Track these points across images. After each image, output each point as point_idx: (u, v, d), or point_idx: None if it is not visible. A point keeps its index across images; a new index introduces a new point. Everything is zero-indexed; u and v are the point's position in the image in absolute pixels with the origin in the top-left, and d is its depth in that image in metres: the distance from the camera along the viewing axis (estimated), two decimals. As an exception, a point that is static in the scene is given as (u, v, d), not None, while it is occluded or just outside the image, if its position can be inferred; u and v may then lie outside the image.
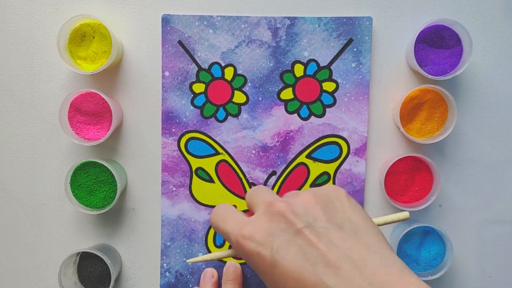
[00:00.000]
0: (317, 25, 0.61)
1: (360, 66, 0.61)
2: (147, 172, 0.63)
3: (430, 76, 0.58)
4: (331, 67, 0.62)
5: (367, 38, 0.61)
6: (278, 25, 0.61)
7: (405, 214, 0.48)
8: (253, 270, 0.52)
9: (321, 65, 0.62)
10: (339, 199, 0.44)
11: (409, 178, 0.61)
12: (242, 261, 0.63)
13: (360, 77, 0.62)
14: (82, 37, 0.61)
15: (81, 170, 0.60)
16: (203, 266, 0.63)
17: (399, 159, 0.60)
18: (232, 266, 0.62)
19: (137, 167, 0.64)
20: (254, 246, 0.42)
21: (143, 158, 0.63)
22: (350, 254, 0.39)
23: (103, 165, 0.59)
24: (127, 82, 0.63)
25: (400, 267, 0.39)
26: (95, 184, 0.60)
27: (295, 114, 0.62)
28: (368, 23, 0.61)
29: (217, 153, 0.62)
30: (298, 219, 0.42)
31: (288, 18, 0.61)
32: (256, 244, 0.42)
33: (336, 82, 0.62)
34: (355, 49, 0.61)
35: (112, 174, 0.59)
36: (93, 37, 0.61)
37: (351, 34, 0.61)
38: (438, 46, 0.60)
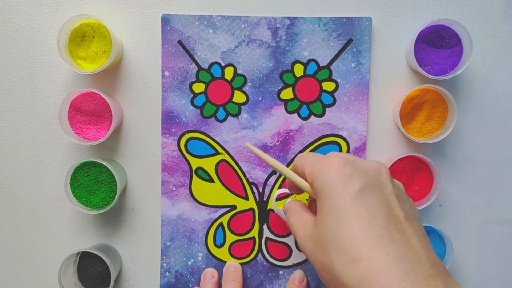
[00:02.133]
0: (317, 25, 0.61)
1: (360, 66, 0.62)
2: (147, 172, 0.63)
3: (430, 76, 0.58)
4: (331, 67, 0.62)
5: (366, 38, 0.61)
6: (278, 25, 0.61)
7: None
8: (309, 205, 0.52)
9: (321, 65, 0.62)
10: (414, 205, 0.47)
11: (409, 178, 0.61)
12: (242, 261, 0.63)
13: (360, 77, 0.62)
14: (82, 37, 0.61)
15: (81, 170, 0.60)
16: (203, 266, 0.63)
17: (399, 159, 0.60)
18: (232, 266, 0.62)
19: (137, 167, 0.64)
20: (344, 171, 0.43)
21: (143, 158, 0.63)
22: (419, 238, 0.40)
23: (103, 165, 0.59)
24: (127, 82, 0.63)
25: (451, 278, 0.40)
26: (95, 184, 0.60)
27: (295, 114, 0.62)
28: (367, 23, 0.61)
29: (217, 153, 0.62)
30: (393, 185, 0.44)
31: (288, 18, 0.61)
32: (350, 172, 0.43)
33: (335, 82, 0.62)
34: (354, 49, 0.62)
35: (112, 174, 0.59)
36: (93, 37, 0.61)
37: (350, 34, 0.61)
38: (438, 46, 0.60)
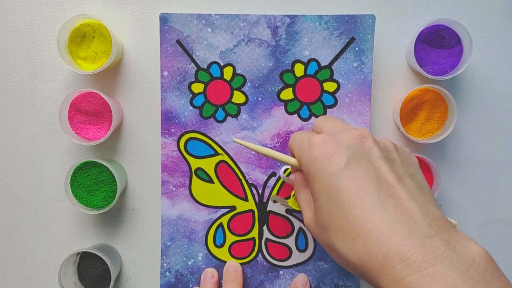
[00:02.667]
0: (318, 24, 0.61)
1: (362, 66, 0.61)
2: (147, 172, 0.63)
3: (430, 76, 0.58)
4: (332, 67, 0.61)
5: (369, 37, 0.60)
6: (278, 24, 0.61)
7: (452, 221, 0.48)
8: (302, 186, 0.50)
9: (322, 64, 0.61)
10: (413, 160, 0.46)
11: (409, 178, 0.61)
12: (242, 261, 0.63)
13: (362, 77, 0.61)
14: (82, 37, 0.61)
15: (81, 170, 0.60)
16: (203, 266, 0.63)
17: (399, 159, 0.60)
18: (232, 266, 0.62)
19: (137, 167, 0.64)
20: (325, 150, 0.42)
21: (143, 158, 0.63)
22: (415, 197, 0.40)
23: (103, 165, 0.59)
24: (127, 82, 0.63)
25: (458, 231, 0.39)
26: (95, 184, 0.60)
27: (295, 115, 0.62)
28: (371, 21, 0.60)
29: (217, 153, 0.62)
30: (378, 148, 0.43)
31: (288, 16, 0.61)
32: (331, 151, 0.42)
33: (337, 82, 0.61)
34: (357, 48, 0.61)
35: (112, 174, 0.59)
36: (93, 37, 0.61)
37: (353, 33, 0.60)
38: (438, 46, 0.60)
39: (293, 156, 0.49)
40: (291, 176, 0.52)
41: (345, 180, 0.40)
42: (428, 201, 0.41)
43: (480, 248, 0.36)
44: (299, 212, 0.62)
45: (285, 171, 0.60)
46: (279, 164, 0.62)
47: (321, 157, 0.42)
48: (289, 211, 0.62)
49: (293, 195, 0.58)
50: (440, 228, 0.38)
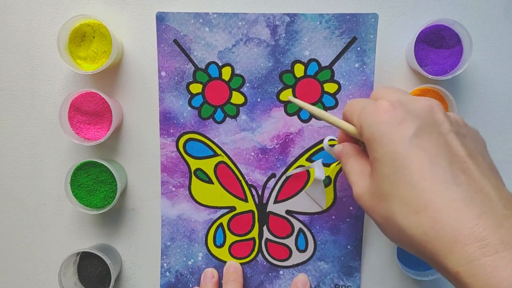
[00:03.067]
0: (318, 22, 0.60)
1: (364, 67, 0.60)
2: (147, 172, 0.63)
3: (430, 76, 0.58)
4: (333, 67, 0.60)
5: (372, 37, 0.60)
6: (277, 22, 0.60)
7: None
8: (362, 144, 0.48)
9: (323, 65, 0.60)
10: (481, 140, 0.44)
11: (409, 178, 0.61)
12: (242, 261, 0.63)
13: (364, 78, 0.60)
14: (82, 37, 0.61)
15: (81, 170, 0.60)
16: (203, 266, 0.63)
17: (399, 159, 0.59)
18: (233, 266, 0.62)
19: (137, 167, 0.64)
20: (394, 115, 0.39)
21: (143, 158, 0.63)
22: (488, 176, 0.38)
23: (103, 165, 0.59)
24: (127, 82, 0.63)
25: None
26: (95, 184, 0.60)
27: (295, 116, 0.61)
28: (373, 20, 0.59)
29: (216, 154, 0.62)
30: (449, 121, 0.40)
31: (288, 14, 0.60)
32: (400, 117, 0.39)
33: (338, 83, 0.61)
34: (359, 48, 0.60)
35: (112, 174, 0.59)
36: (93, 37, 0.61)
37: (354, 32, 0.60)
38: (438, 46, 0.60)
39: (350, 121, 0.46)
40: (337, 146, 0.49)
41: (415, 149, 0.38)
42: (500, 181, 0.39)
43: None
44: (299, 212, 0.62)
45: (329, 141, 0.59)
46: (278, 165, 0.62)
47: (389, 123, 0.39)
48: (289, 212, 0.62)
49: (337, 164, 0.57)
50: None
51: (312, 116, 0.51)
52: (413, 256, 0.61)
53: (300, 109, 0.61)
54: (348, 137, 0.49)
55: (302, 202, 0.62)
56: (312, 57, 0.60)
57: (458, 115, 0.43)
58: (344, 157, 0.47)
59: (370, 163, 0.42)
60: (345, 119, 0.47)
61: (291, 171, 0.61)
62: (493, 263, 0.32)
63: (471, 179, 0.37)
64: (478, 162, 0.39)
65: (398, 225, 0.38)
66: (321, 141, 0.61)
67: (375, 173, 0.41)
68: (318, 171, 0.60)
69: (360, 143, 0.49)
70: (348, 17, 0.59)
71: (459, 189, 0.36)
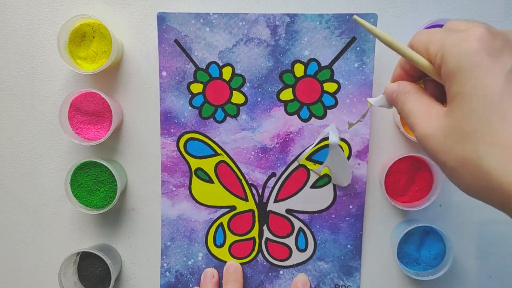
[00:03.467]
0: (318, 23, 0.60)
1: (364, 66, 0.60)
2: (147, 172, 0.63)
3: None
4: (333, 67, 0.60)
5: (371, 37, 0.60)
6: (277, 23, 0.60)
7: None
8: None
9: (322, 64, 0.61)
10: None
11: (409, 178, 0.61)
12: (242, 261, 0.63)
13: (363, 77, 0.60)
14: (82, 37, 0.61)
15: (81, 170, 0.60)
16: (203, 266, 0.63)
17: (399, 159, 0.59)
18: (233, 266, 0.62)
19: (137, 167, 0.64)
20: (491, 45, 0.34)
21: (143, 158, 0.63)
22: None
23: (103, 165, 0.59)
24: (127, 82, 0.63)
25: None
26: (95, 184, 0.60)
27: (295, 115, 0.61)
28: (372, 20, 0.59)
29: (216, 154, 0.62)
30: None
31: (288, 15, 0.60)
32: (496, 45, 0.34)
33: (337, 82, 0.61)
34: (358, 48, 0.60)
35: (112, 174, 0.59)
36: (93, 37, 0.61)
37: (354, 32, 0.60)
38: (438, 46, 0.60)
39: (421, 52, 0.39)
40: (390, 85, 0.43)
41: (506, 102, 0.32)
42: None
43: None
44: (299, 211, 0.62)
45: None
46: (278, 164, 0.62)
47: (485, 52, 0.33)
48: (289, 211, 0.62)
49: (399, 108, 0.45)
50: None
51: (380, 40, 0.43)
52: (413, 256, 0.61)
53: (300, 108, 0.61)
54: (406, 77, 0.43)
55: (303, 200, 0.62)
56: (312, 57, 0.61)
57: None
58: (402, 96, 0.41)
59: (449, 99, 0.36)
60: (418, 49, 0.40)
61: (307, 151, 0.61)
62: None
63: None
64: None
65: (485, 169, 0.32)
66: (321, 140, 0.61)
67: (457, 110, 0.35)
68: (332, 136, 0.57)
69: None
70: (347, 17, 0.60)
71: None
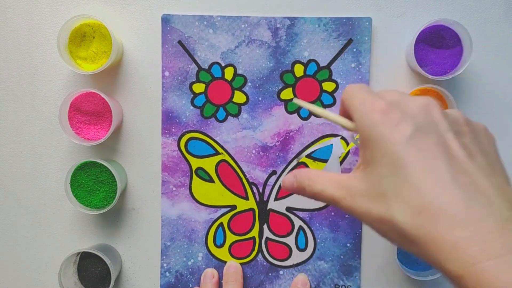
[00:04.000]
0: (317, 25, 0.61)
1: (360, 66, 0.62)
2: (147, 172, 0.63)
3: (430, 76, 0.58)
4: (331, 67, 0.62)
5: (366, 39, 0.61)
6: (278, 25, 0.61)
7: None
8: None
9: (321, 65, 0.62)
10: (488, 137, 0.41)
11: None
12: (242, 261, 0.63)
13: (360, 77, 0.62)
14: (82, 37, 0.61)
15: (81, 170, 0.60)
16: (203, 266, 0.63)
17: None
18: (233, 267, 0.62)
19: (137, 167, 0.64)
20: (390, 117, 0.38)
21: (143, 158, 0.63)
22: (489, 176, 0.36)
23: (103, 165, 0.59)
24: (127, 82, 0.63)
25: None
26: (95, 184, 0.60)
27: (295, 114, 0.62)
28: (367, 23, 0.61)
29: (217, 153, 0.62)
30: (446, 121, 0.39)
31: (288, 18, 0.61)
32: (396, 119, 0.38)
33: (335, 82, 0.62)
34: (354, 50, 0.62)
35: (112, 174, 0.59)
36: (93, 37, 0.61)
37: (350, 35, 0.61)
38: (438, 46, 0.60)
39: (347, 110, 0.44)
40: (286, 177, 0.47)
41: (412, 150, 0.36)
42: (503, 181, 0.37)
43: None
44: (299, 209, 0.63)
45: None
46: (279, 162, 0.62)
47: (385, 124, 0.38)
48: (289, 209, 0.62)
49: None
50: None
51: (313, 114, 0.52)
52: (413, 256, 0.61)
53: (300, 107, 0.62)
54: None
55: (303, 198, 0.62)
56: (311, 58, 0.62)
57: (458, 112, 0.42)
58: (308, 181, 0.45)
59: (364, 164, 0.41)
60: (342, 103, 0.45)
61: (312, 148, 0.62)
62: (496, 267, 0.32)
63: (472, 180, 0.36)
64: (478, 162, 0.37)
65: (398, 226, 0.36)
66: (321, 138, 0.62)
67: (371, 174, 0.39)
68: (336, 147, 0.58)
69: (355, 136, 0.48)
70: (344, 20, 0.61)
71: (460, 190, 0.35)
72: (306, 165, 0.62)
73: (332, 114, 0.46)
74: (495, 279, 0.32)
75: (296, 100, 0.49)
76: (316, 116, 0.57)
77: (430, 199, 0.35)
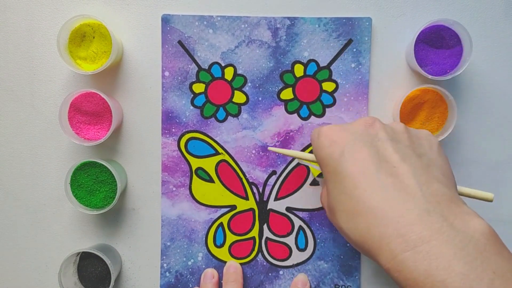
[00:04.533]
0: (317, 26, 0.61)
1: (360, 67, 0.62)
2: (147, 172, 0.63)
3: (430, 76, 0.58)
4: (331, 67, 0.62)
5: (366, 39, 0.61)
6: (278, 25, 0.61)
7: (489, 195, 0.48)
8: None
9: (321, 65, 0.62)
10: (429, 141, 0.46)
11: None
12: (242, 261, 0.63)
13: (360, 77, 0.62)
14: (82, 37, 0.61)
15: (81, 170, 0.60)
16: (203, 266, 0.63)
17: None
18: (233, 267, 0.62)
19: (137, 167, 0.64)
20: (330, 137, 0.45)
21: (143, 158, 0.63)
22: (418, 175, 0.40)
23: (103, 165, 0.59)
24: (127, 82, 0.63)
25: (464, 206, 0.39)
26: (95, 184, 0.60)
27: (295, 114, 0.62)
28: (367, 23, 0.61)
29: (217, 153, 0.62)
30: (384, 131, 0.44)
31: (288, 18, 0.61)
32: (335, 138, 0.45)
33: (335, 82, 0.62)
34: (354, 50, 0.62)
35: (112, 174, 0.59)
36: (93, 37, 0.61)
37: (350, 35, 0.61)
38: (438, 46, 0.60)
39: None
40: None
41: (347, 163, 0.42)
42: (433, 178, 0.41)
43: (482, 224, 0.36)
44: (299, 209, 0.63)
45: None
46: (279, 162, 0.62)
47: (326, 145, 0.44)
48: (289, 209, 0.63)
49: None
50: (440, 203, 0.38)
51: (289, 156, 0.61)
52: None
53: (300, 107, 0.62)
54: None
55: (303, 198, 0.63)
56: (311, 58, 0.62)
57: (400, 124, 0.46)
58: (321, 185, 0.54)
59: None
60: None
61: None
62: (412, 257, 0.35)
63: (397, 180, 0.40)
64: (410, 163, 0.41)
65: (343, 231, 0.42)
66: None
67: (327, 190, 0.45)
68: None
69: None
70: (344, 20, 0.61)
71: (384, 191, 0.39)
72: (306, 167, 0.62)
73: (302, 153, 0.55)
74: (414, 269, 0.35)
75: (271, 148, 0.57)
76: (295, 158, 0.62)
77: (362, 204, 0.39)
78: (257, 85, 0.62)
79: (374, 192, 0.39)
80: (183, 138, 0.62)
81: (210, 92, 0.62)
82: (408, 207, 0.37)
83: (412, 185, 0.39)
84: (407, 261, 0.35)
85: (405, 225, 0.36)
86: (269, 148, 0.56)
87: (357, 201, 0.40)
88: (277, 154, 0.62)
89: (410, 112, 0.60)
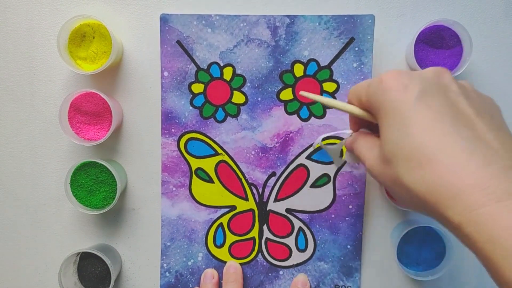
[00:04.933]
0: (317, 24, 0.61)
1: (362, 66, 0.61)
2: (147, 172, 0.63)
3: (430, 76, 0.58)
4: (332, 67, 0.61)
5: (369, 37, 0.60)
6: (278, 24, 0.61)
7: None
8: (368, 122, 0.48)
9: (322, 65, 0.61)
10: (495, 107, 0.42)
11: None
12: (242, 261, 0.63)
13: (362, 77, 0.61)
14: (82, 37, 0.61)
15: (81, 170, 0.60)
16: (203, 267, 0.63)
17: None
18: (233, 267, 0.62)
19: (137, 167, 0.64)
20: (399, 81, 0.40)
21: (143, 158, 0.63)
22: (496, 130, 0.37)
23: (103, 165, 0.59)
24: (127, 82, 0.63)
25: None
26: (95, 184, 0.60)
27: (295, 115, 0.62)
28: (370, 21, 0.60)
29: (217, 153, 0.62)
30: (456, 84, 0.40)
31: (288, 16, 0.61)
32: (407, 82, 0.39)
33: (337, 82, 0.61)
34: (356, 49, 0.61)
35: (112, 174, 0.59)
36: (93, 37, 0.61)
37: (352, 33, 0.60)
38: (438, 46, 0.60)
39: (358, 105, 0.46)
40: (348, 138, 0.50)
41: (420, 108, 0.38)
42: (509, 137, 0.38)
43: None
44: (299, 211, 0.63)
45: (323, 139, 0.60)
46: (278, 163, 0.62)
47: (394, 88, 0.40)
48: (289, 210, 0.62)
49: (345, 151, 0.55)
50: None
51: (322, 105, 0.54)
52: (413, 256, 0.61)
53: (300, 108, 0.61)
54: (358, 125, 0.50)
55: (303, 200, 0.62)
56: (312, 57, 0.61)
57: (467, 82, 0.43)
58: (355, 142, 0.47)
59: (380, 133, 0.42)
60: (352, 101, 0.47)
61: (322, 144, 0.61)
62: (497, 211, 0.32)
63: (476, 133, 0.36)
64: (486, 120, 0.38)
65: (404, 184, 0.38)
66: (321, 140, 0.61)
67: (383, 139, 0.41)
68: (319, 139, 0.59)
69: (373, 128, 0.49)
70: (346, 18, 0.60)
71: (463, 141, 0.36)
72: (306, 168, 0.62)
73: (340, 102, 0.47)
74: (494, 224, 0.32)
75: (303, 93, 0.50)
76: (325, 107, 0.58)
77: (431, 151, 0.36)
78: (256, 85, 0.61)
79: (449, 140, 0.36)
80: (183, 138, 0.62)
81: (209, 92, 0.62)
82: (489, 161, 0.34)
83: (492, 140, 0.36)
84: (490, 215, 0.32)
85: (489, 178, 0.33)
86: (301, 92, 0.49)
87: (425, 147, 0.36)
88: (276, 155, 0.62)
89: (410, 112, 0.60)
